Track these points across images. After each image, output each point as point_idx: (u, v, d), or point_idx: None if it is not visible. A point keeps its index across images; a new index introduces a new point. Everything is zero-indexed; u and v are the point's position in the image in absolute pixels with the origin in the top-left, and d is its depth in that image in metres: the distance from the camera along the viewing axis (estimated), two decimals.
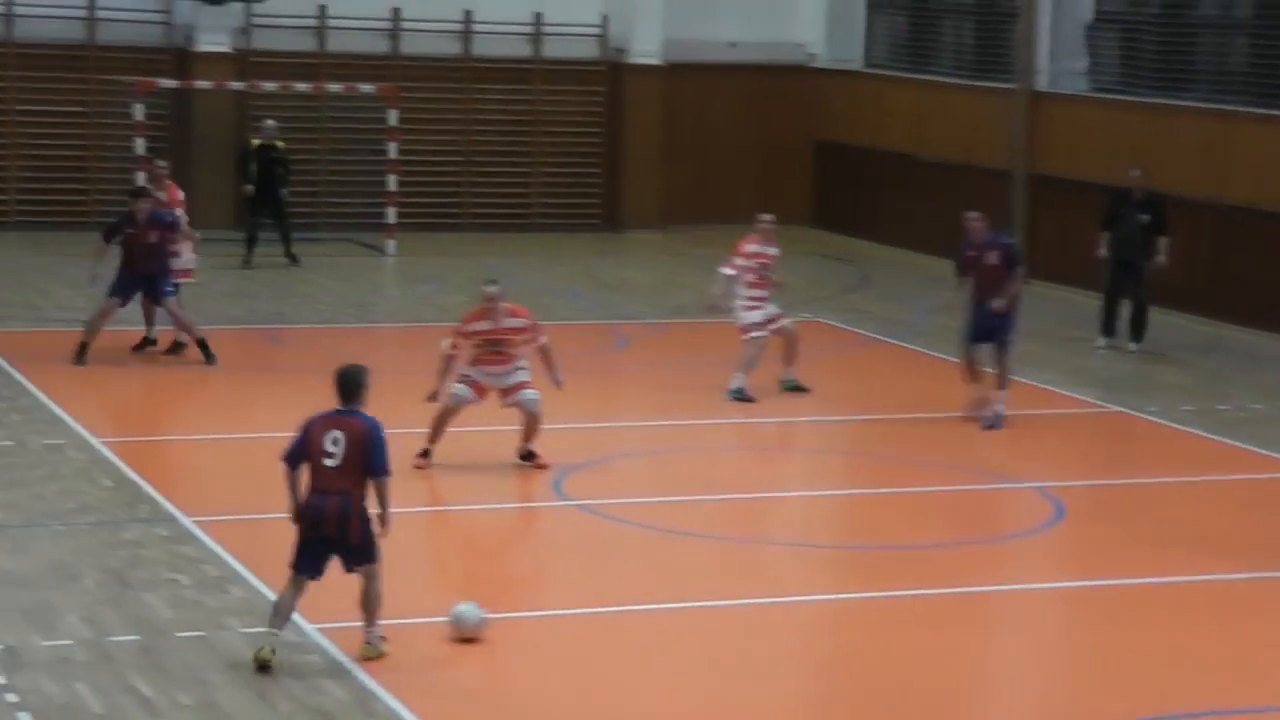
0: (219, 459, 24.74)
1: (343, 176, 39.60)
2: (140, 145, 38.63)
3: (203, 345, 28.62)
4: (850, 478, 24.99)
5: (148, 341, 29.22)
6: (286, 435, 26.08)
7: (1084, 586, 20.85)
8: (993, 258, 27.55)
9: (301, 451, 17.05)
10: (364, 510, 16.66)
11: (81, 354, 28.15)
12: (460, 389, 23.48)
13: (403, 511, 21.89)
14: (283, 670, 16.62)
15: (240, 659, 16.80)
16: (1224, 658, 18.49)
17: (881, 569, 20.93)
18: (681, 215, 44.56)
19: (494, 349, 23.52)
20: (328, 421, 16.97)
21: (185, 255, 29.43)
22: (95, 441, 24.08)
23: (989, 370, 26.96)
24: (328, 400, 25.32)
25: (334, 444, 16.66)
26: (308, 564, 16.59)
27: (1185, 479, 25.19)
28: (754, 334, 28.06)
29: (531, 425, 23.73)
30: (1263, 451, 26.37)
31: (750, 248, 28.39)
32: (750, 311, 27.97)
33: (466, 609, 16.92)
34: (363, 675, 16.52)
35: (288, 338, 30.24)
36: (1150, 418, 27.98)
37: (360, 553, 16.64)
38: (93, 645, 17.05)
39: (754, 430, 27.61)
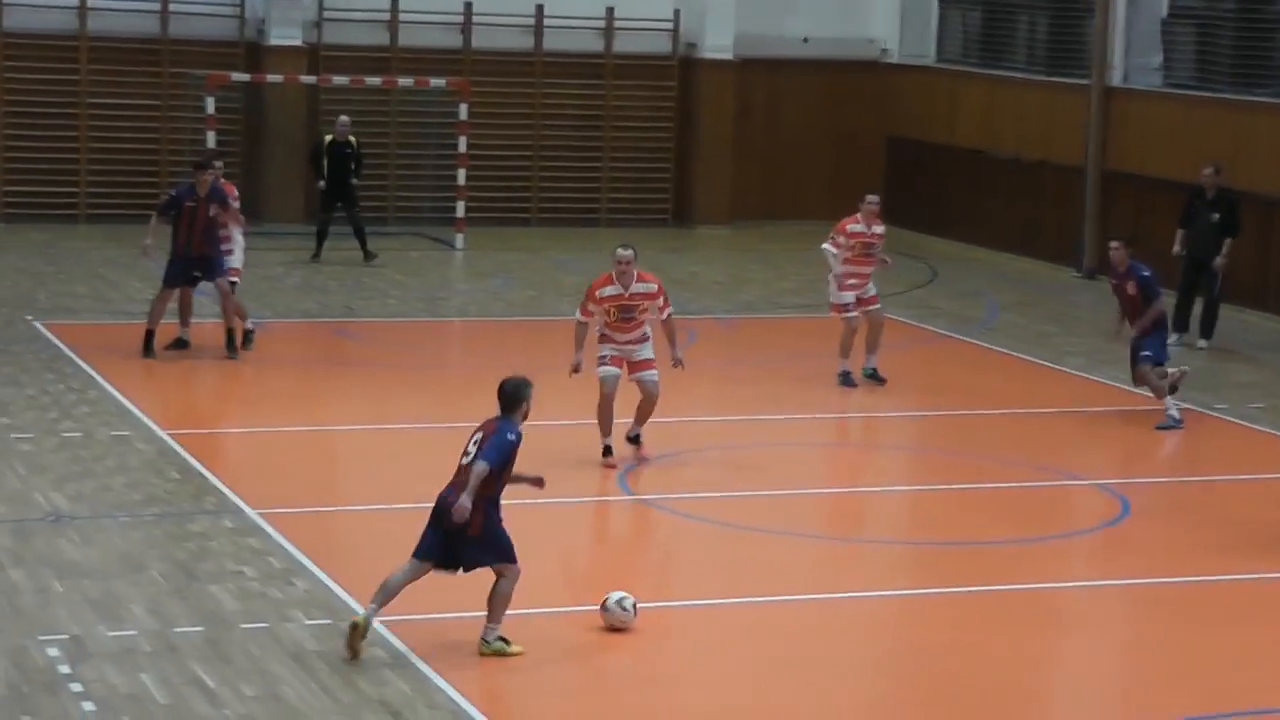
0: (285, 452, 24.82)
1: (412, 170, 39.70)
2: (212, 139, 38.56)
3: (247, 334, 28.94)
4: (920, 473, 24.98)
5: (180, 342, 29.05)
6: (353, 428, 26.38)
7: (1149, 584, 20.74)
8: (1131, 288, 27.64)
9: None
10: (488, 507, 16.90)
11: (149, 344, 28.31)
12: (607, 371, 23.64)
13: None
14: (346, 662, 16.73)
15: (304, 651, 16.90)
16: None
17: (950, 565, 20.95)
18: (751, 211, 44.65)
19: (624, 315, 23.63)
20: (481, 425, 17.48)
21: (237, 254, 29.65)
22: (162, 433, 24.19)
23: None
24: (395, 394, 25.19)
25: (474, 444, 17.12)
26: (423, 548, 16.83)
27: (1253, 476, 25.09)
28: (846, 314, 28.34)
29: (647, 407, 24.01)
30: None
31: (853, 227, 28.60)
32: (844, 291, 28.17)
33: (624, 601, 17.30)
34: (425, 668, 16.60)
35: (356, 331, 30.29)
36: (1219, 415, 27.92)
37: (480, 548, 16.88)
38: (158, 636, 17.14)
39: (822, 425, 27.59)
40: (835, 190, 43.67)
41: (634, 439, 24.05)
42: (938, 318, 33.99)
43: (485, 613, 16.79)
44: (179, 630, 17.32)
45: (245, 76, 40.08)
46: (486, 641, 16.64)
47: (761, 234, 42.92)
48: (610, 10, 43.70)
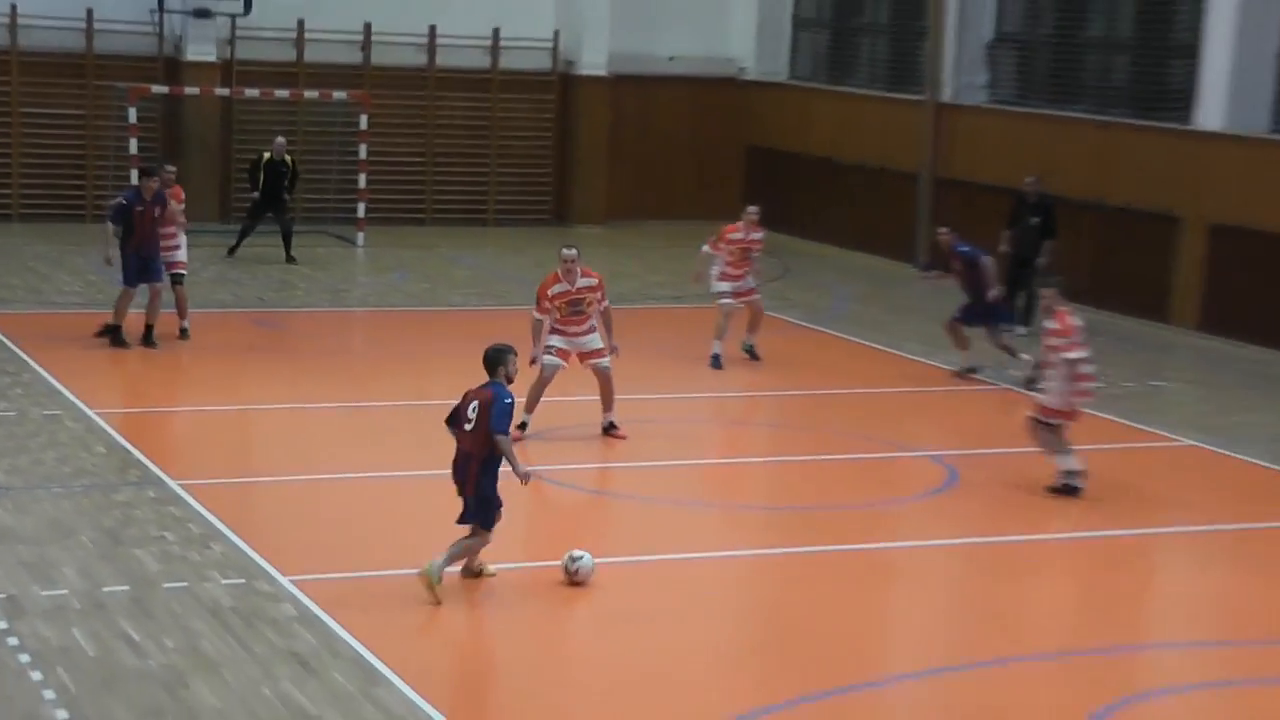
0: (204, 429, 24.90)
1: (318, 175, 39.55)
2: (134, 146, 38.47)
3: (183, 330, 29.22)
4: (777, 446, 25.24)
5: (183, 332, 29.37)
6: (267, 407, 26.32)
7: (971, 543, 21.10)
8: (958, 264, 29.14)
9: (454, 417, 17.87)
10: (482, 474, 17.45)
11: (117, 336, 28.28)
12: (551, 360, 23.85)
13: (364, 476, 22.16)
14: (258, 616, 16.74)
15: (221, 608, 16.98)
16: (1092, 603, 19.17)
17: (800, 528, 21.27)
18: (624, 212, 44.75)
19: (574, 310, 23.98)
20: (472, 393, 17.82)
21: (182, 250, 29.54)
22: (90, 412, 24.23)
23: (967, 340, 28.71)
24: (305, 378, 24.92)
25: (473, 411, 17.49)
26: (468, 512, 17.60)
27: (1080, 449, 25.41)
28: (722, 300, 28.87)
29: (607, 391, 24.40)
30: (1126, 422, 26.90)
31: (733, 235, 29.20)
32: (722, 282, 28.76)
33: (586, 557, 17.65)
34: (331, 621, 16.66)
35: (269, 320, 30.20)
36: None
37: (471, 509, 17.54)
38: (87, 595, 17.24)
39: (692, 403, 27.71)
40: (700, 194, 44.19)
41: (609, 428, 24.35)
42: (792, 308, 34.21)
43: (385, 570, 17.56)
44: (106, 589, 17.42)
45: (164, 89, 39.95)
46: (429, 567, 17.11)
47: (634, 232, 43.06)
48: (496, 30, 43.65)
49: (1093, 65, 38.27)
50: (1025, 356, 27.79)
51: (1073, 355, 22.26)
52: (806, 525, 21.34)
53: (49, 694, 14.78)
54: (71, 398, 24.98)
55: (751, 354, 29.21)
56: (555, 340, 24.08)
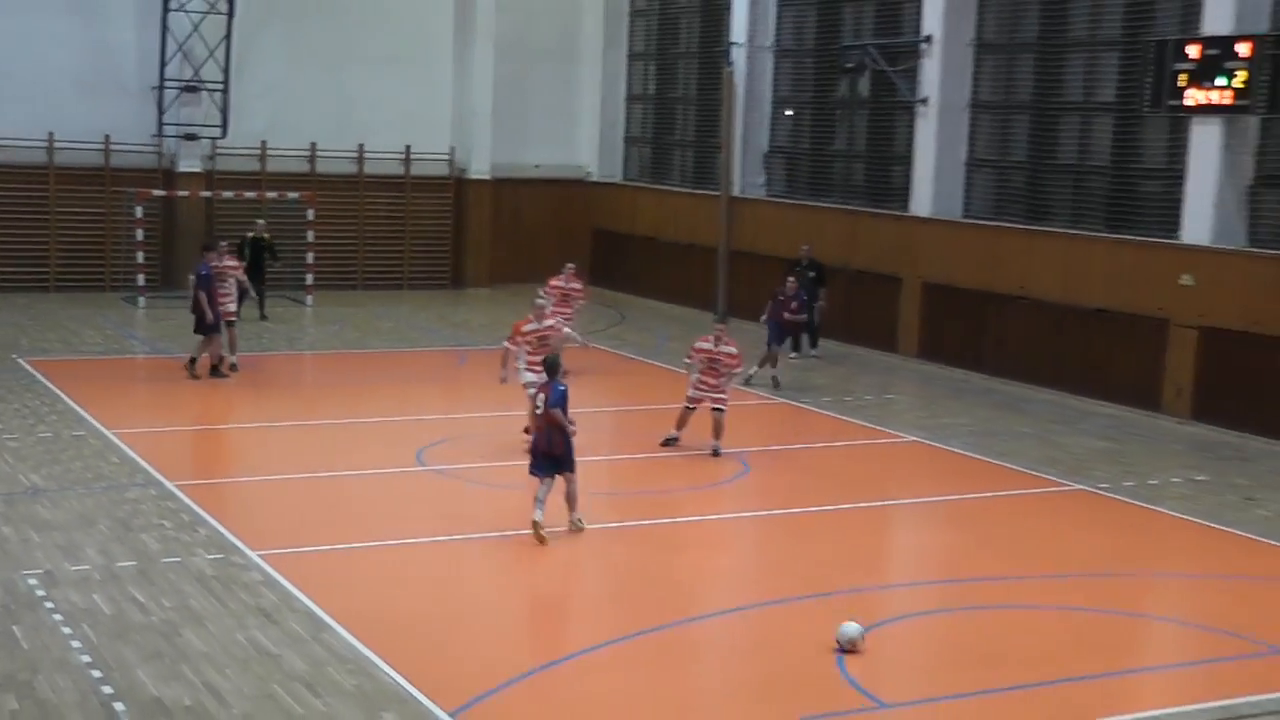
0: (194, 442, 24.77)
1: (278, 253, 39.28)
2: (140, 234, 38.33)
3: (232, 365, 29.52)
4: (616, 446, 24.96)
5: (232, 366, 29.59)
6: (242, 426, 26.08)
7: (764, 515, 21.15)
8: (794, 306, 30.30)
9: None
10: (560, 435, 18.88)
11: (193, 369, 28.76)
12: (532, 385, 22.78)
13: (315, 476, 22.10)
14: (233, 582, 16.74)
15: (205, 576, 16.99)
16: (843, 556, 19.14)
17: (633, 507, 21.28)
18: (503, 278, 44.31)
19: (541, 343, 23.81)
20: (540, 387, 19.64)
21: (231, 302, 29.88)
22: (108, 432, 23.99)
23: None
24: (270, 401, 24.96)
25: (540, 400, 19.23)
26: (536, 469, 18.96)
27: (828, 444, 25.72)
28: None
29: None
30: (866, 424, 26.97)
31: (555, 281, 30.91)
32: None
33: (853, 630, 15.22)
34: (287, 584, 16.70)
35: (244, 362, 29.94)
36: (806, 405, 28.46)
37: (562, 460, 18.95)
38: (104, 569, 17.22)
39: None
40: (560, 263, 43.48)
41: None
42: (626, 346, 34.17)
43: (332, 545, 17.07)
44: (119, 564, 17.43)
45: (163, 192, 39.58)
46: (574, 523, 19.23)
47: (511, 293, 42.84)
48: (408, 147, 43.42)
49: (839, 169, 38.43)
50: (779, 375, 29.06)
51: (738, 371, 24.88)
52: (638, 505, 21.40)
53: (76, 644, 14.75)
54: (93, 421, 24.68)
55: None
56: (531, 371, 23.46)
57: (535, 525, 18.55)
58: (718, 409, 24.07)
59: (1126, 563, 19.34)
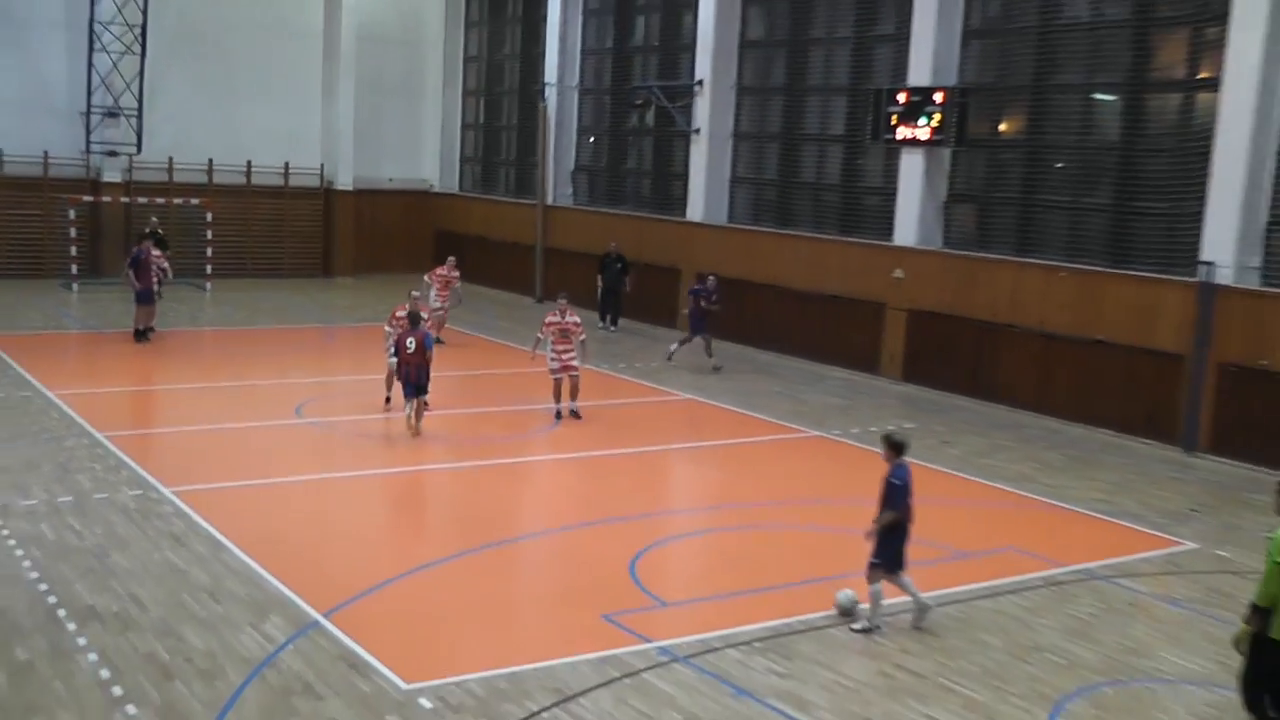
0: (120, 401, 24.27)
1: (183, 248, 38.52)
2: (73, 232, 37.58)
3: (147, 331, 29.80)
4: (461, 402, 24.84)
5: (149, 330, 29.92)
6: (153, 387, 25.65)
7: (570, 458, 21.30)
8: (714, 299, 29.37)
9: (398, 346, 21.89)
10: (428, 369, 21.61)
11: (139, 336, 29.68)
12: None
13: (213, 427, 21.88)
14: (150, 513, 16.63)
15: (129, 509, 16.84)
16: (637, 489, 19.32)
17: (464, 452, 21.28)
18: (364, 269, 44.19)
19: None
20: (410, 333, 21.68)
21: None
22: (49, 393, 23.56)
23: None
24: (174, 367, 24.46)
25: (411, 341, 21.56)
26: (408, 393, 21.73)
27: (624, 401, 25.81)
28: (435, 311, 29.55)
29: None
30: (658, 387, 27.07)
31: (440, 271, 31.29)
32: (436, 301, 29.11)
33: (846, 598, 14.19)
34: (194, 513, 16.58)
35: (155, 336, 29.51)
36: (605, 371, 28.44)
37: (423, 388, 21.77)
38: (48, 504, 17.04)
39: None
40: (408, 258, 43.83)
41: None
42: (462, 324, 33.55)
43: (229, 483, 16.81)
44: (60, 500, 17.27)
45: (90, 198, 38.73)
46: (417, 429, 21.72)
47: (370, 282, 42.71)
48: (287, 163, 42.94)
49: (630, 183, 38.65)
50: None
51: (584, 337, 23.92)
52: (472, 449, 21.48)
53: (26, 564, 14.64)
54: (38, 384, 24.22)
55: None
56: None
57: (408, 419, 21.75)
58: (574, 374, 23.60)
59: (851, 492, 19.72)
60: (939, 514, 18.65)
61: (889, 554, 13.78)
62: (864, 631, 13.69)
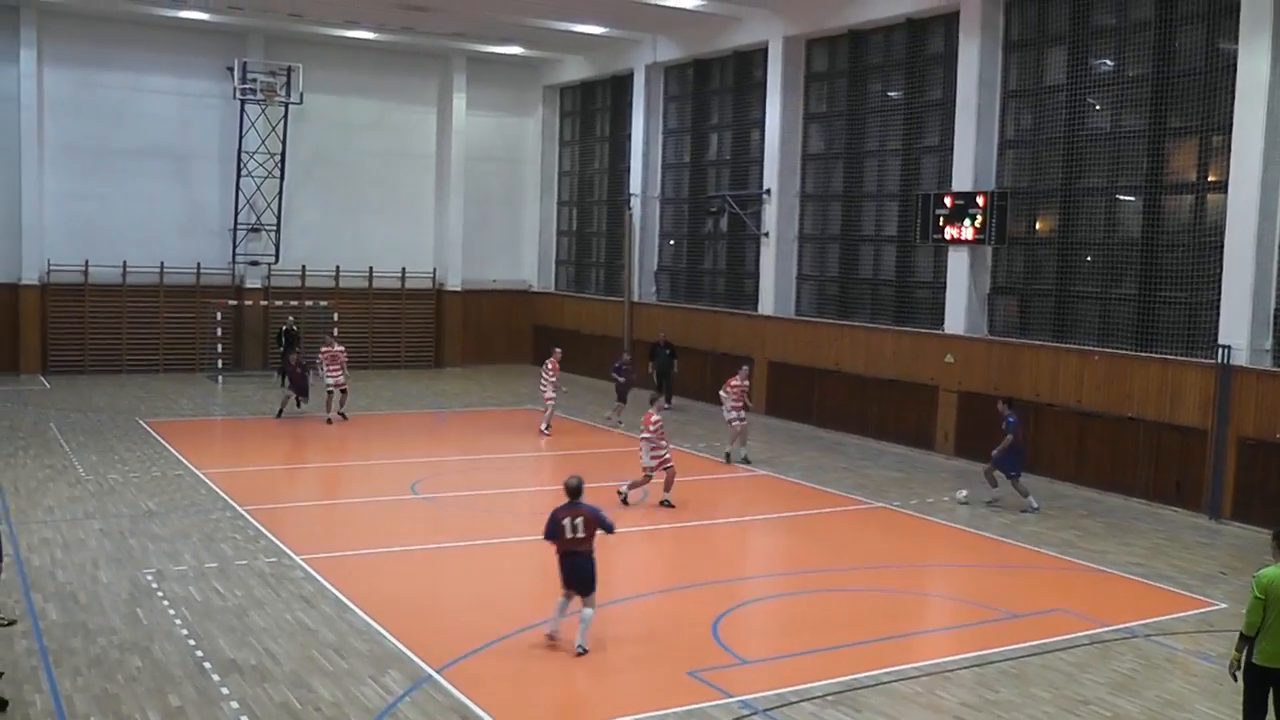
0: (257, 478, 24.31)
1: (316, 344, 39.04)
2: (219, 332, 38.30)
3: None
4: (559, 480, 24.81)
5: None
6: (287, 467, 25.69)
7: (661, 528, 20.88)
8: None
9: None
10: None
11: (280, 413, 30.79)
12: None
13: (331, 502, 21.77)
14: (283, 577, 16.53)
15: (265, 573, 16.80)
16: (721, 557, 18.95)
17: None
18: (471, 360, 44.53)
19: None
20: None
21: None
22: (198, 471, 23.83)
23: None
24: (310, 447, 24.62)
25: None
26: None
27: (698, 478, 25.48)
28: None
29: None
30: (736, 464, 26.69)
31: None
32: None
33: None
34: (322, 579, 16.47)
35: (285, 422, 29.59)
36: (697, 453, 28.12)
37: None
38: (196, 569, 17.24)
39: (508, 456, 27.16)
40: (510, 350, 44.18)
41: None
42: (569, 410, 33.72)
43: (354, 550, 16.67)
44: (206, 565, 17.44)
45: (235, 302, 39.50)
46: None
47: (476, 371, 42.95)
48: (403, 268, 43.51)
49: (707, 281, 38.57)
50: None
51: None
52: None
53: (178, 621, 14.68)
54: (188, 464, 24.53)
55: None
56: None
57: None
58: (669, 467, 22.03)
59: (912, 557, 19.50)
60: (990, 577, 18.30)
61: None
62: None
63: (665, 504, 22.14)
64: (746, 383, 27.10)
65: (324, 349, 31.39)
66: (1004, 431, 22.82)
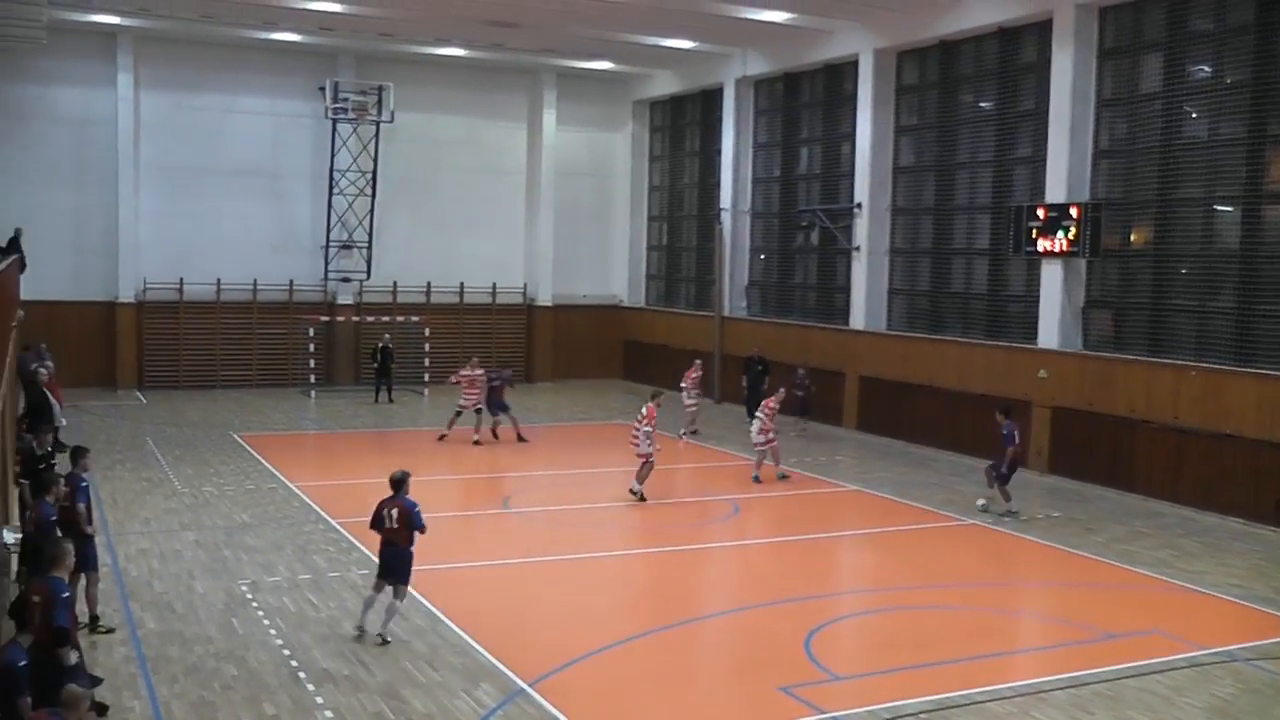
0: (349, 491, 24.52)
1: (405, 357, 39.38)
2: (311, 347, 38.89)
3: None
4: (654, 494, 24.71)
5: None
6: (379, 481, 25.88)
7: (745, 544, 20.95)
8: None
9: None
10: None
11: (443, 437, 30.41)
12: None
13: (431, 516, 22.01)
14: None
15: (357, 584, 17.00)
16: (814, 573, 18.94)
17: (658, 537, 21.11)
18: (562, 375, 44.74)
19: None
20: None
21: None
22: (291, 484, 24.21)
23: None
24: (402, 461, 24.86)
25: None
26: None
27: (792, 492, 25.44)
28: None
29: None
30: (817, 476, 26.51)
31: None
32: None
33: None
34: (414, 592, 16.59)
35: (378, 434, 29.94)
36: (789, 468, 28.15)
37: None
38: (290, 580, 17.51)
39: (597, 470, 27.22)
40: (600, 365, 44.32)
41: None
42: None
43: (466, 563, 16.79)
44: (300, 577, 17.71)
45: (327, 318, 40.08)
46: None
47: (567, 386, 43.13)
48: (494, 284, 43.86)
49: (798, 296, 38.46)
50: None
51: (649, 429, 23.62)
52: (651, 537, 21.35)
53: (272, 631, 14.97)
54: (282, 477, 24.98)
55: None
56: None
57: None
58: (650, 461, 23.73)
59: (1005, 575, 19.38)
60: (1085, 596, 18.07)
61: None
62: None
63: (635, 492, 23.68)
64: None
65: (463, 372, 31.40)
66: (1004, 442, 23.23)
